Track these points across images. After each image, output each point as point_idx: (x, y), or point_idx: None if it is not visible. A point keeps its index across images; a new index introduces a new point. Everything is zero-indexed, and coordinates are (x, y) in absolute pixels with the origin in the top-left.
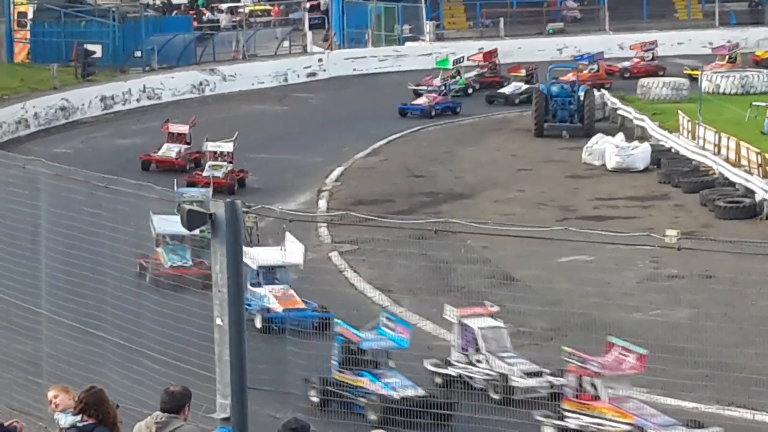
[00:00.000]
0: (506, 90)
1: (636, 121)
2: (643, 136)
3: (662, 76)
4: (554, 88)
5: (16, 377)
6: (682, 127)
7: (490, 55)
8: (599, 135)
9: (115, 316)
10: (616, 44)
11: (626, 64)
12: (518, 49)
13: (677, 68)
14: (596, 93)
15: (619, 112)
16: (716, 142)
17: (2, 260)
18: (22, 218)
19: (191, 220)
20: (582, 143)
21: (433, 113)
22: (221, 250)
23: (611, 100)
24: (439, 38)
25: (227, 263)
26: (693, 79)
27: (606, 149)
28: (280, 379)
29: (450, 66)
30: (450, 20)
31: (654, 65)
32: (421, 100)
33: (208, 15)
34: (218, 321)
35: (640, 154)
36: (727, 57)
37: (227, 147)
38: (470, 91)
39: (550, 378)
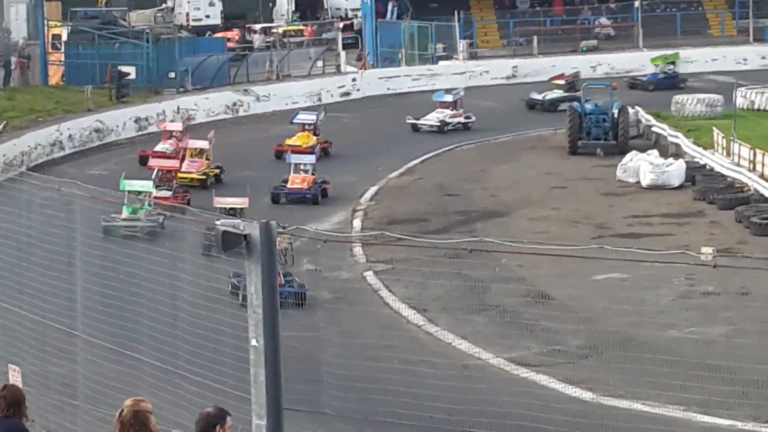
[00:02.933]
0: None
1: (670, 138)
2: (678, 153)
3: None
4: (588, 106)
5: (53, 399)
6: (716, 144)
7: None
8: (633, 152)
9: (151, 337)
10: (649, 61)
11: None
12: (552, 67)
13: (711, 84)
14: (630, 110)
15: (653, 129)
16: (751, 158)
17: (38, 282)
18: (58, 240)
19: (226, 241)
20: (616, 161)
21: None
22: (256, 271)
23: (645, 117)
24: (473, 57)
25: (262, 284)
26: None
27: (640, 166)
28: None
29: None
30: (483, 38)
31: None
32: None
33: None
34: (253, 342)
35: (675, 171)
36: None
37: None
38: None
39: None
